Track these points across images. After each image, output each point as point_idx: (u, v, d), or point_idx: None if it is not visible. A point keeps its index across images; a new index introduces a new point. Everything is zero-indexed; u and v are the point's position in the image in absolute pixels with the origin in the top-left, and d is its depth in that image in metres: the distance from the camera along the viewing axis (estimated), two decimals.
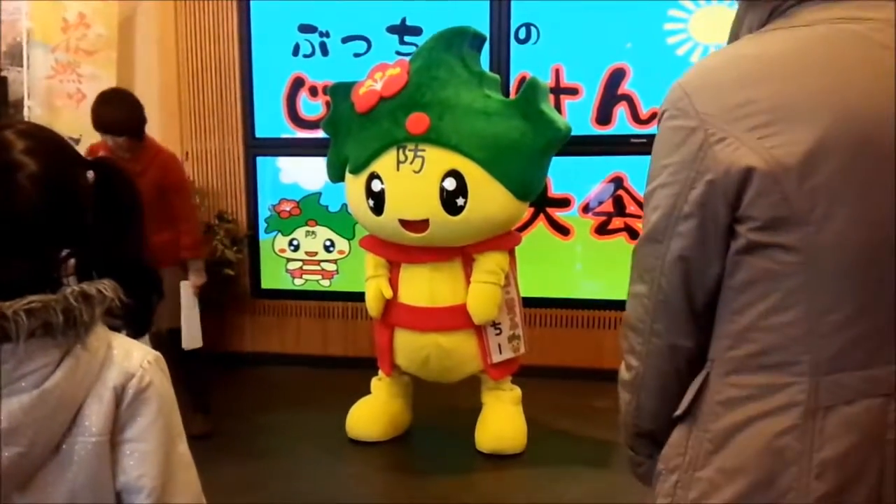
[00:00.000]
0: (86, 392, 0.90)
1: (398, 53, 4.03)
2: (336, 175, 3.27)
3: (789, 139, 0.91)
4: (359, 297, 4.26)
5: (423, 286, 3.10)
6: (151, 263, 1.03)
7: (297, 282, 4.36)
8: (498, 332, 3.12)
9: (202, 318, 3.40)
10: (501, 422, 3.23)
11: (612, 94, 3.88)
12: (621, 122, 3.88)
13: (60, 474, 0.89)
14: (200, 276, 3.34)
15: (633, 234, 3.95)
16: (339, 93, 3.17)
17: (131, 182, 1.02)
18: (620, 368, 1.12)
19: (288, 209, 4.31)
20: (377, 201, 3.01)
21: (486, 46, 3.29)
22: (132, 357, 0.95)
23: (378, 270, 3.19)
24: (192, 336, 3.29)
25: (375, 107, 2.98)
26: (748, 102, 0.93)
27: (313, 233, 4.29)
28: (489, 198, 2.93)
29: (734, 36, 1.07)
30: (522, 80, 3.90)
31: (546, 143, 2.91)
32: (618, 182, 3.94)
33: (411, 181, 2.92)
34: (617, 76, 3.87)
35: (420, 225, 2.95)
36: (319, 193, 4.25)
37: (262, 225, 4.35)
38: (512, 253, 3.19)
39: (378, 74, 3.04)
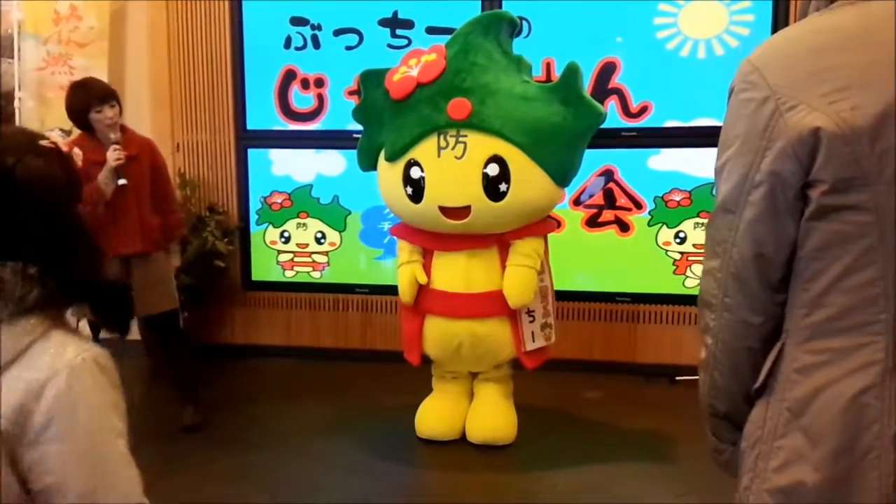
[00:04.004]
0: None
1: (390, 47, 4.04)
2: (368, 163, 3.20)
3: (860, 103, 0.94)
4: (349, 289, 4.30)
5: (458, 272, 3.03)
6: (106, 274, 1.01)
7: (288, 274, 4.37)
8: (531, 319, 3.08)
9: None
10: (492, 412, 3.23)
11: (602, 88, 3.90)
12: (612, 116, 3.88)
13: None
14: (178, 258, 3.41)
15: (623, 226, 3.97)
16: (371, 80, 3.09)
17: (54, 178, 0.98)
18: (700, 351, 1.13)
19: (279, 201, 4.32)
20: (416, 189, 2.95)
21: None
22: (63, 354, 0.91)
23: (413, 256, 3.12)
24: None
25: (412, 93, 2.91)
26: (823, 70, 0.96)
27: (304, 225, 4.30)
28: (531, 183, 2.91)
29: (803, 13, 1.10)
30: None
31: (586, 128, 2.90)
32: (608, 175, 3.97)
33: (453, 167, 2.88)
34: (608, 70, 3.90)
35: (461, 212, 2.91)
36: (311, 185, 4.26)
37: (253, 217, 4.35)
38: (546, 240, 3.17)
39: (413, 61, 2.98)
